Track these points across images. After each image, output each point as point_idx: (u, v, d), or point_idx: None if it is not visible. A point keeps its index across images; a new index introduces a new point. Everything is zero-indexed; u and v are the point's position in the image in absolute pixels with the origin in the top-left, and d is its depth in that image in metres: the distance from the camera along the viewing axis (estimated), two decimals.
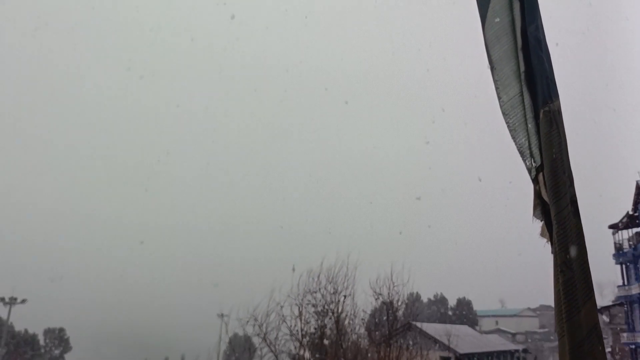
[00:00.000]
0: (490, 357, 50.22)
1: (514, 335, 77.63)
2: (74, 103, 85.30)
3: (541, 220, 2.05)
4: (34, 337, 56.73)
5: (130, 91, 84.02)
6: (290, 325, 18.99)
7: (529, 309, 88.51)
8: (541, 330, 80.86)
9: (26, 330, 56.19)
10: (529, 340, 74.49)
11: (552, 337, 71.80)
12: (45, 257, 64.49)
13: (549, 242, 1.98)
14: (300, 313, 19.11)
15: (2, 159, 69.99)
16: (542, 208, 2.02)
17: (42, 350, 57.39)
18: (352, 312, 19.99)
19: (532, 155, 2.05)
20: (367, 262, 21.26)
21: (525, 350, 59.48)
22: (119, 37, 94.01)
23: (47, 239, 67.24)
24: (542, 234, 2.04)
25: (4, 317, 47.18)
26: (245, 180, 70.41)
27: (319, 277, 19.59)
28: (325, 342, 19.23)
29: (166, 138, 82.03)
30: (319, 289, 19.47)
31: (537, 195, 2.03)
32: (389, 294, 20.26)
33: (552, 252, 1.91)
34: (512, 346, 59.49)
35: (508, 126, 2.13)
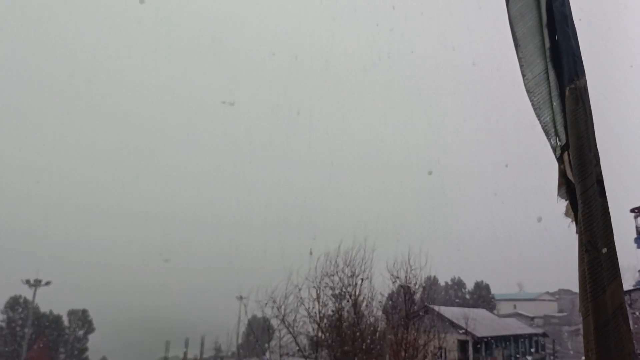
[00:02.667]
0: (508, 341, 50.10)
1: (532, 319, 77.12)
2: (94, 101, 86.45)
3: (566, 200, 2.02)
4: (58, 318, 58.13)
5: (147, 86, 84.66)
6: (308, 308, 19.20)
7: (547, 293, 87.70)
8: (560, 315, 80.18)
9: (51, 311, 57.63)
10: (548, 324, 74.07)
11: (571, 321, 71.30)
12: (69, 241, 66.01)
13: (574, 222, 1.95)
14: (318, 296, 19.29)
15: (34, 154, 71.64)
16: (567, 187, 1.99)
17: (67, 331, 58.78)
18: (370, 295, 20.10)
19: (557, 134, 2.01)
20: (385, 246, 21.28)
21: (543, 334, 59.12)
22: (120, 31, 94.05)
23: (71, 225, 68.82)
24: (566, 214, 2.01)
25: (30, 298, 48.62)
26: (263, 169, 70.75)
27: (336, 260, 19.72)
28: (343, 324, 19.41)
29: (189, 132, 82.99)
30: (337, 272, 19.60)
31: (562, 174, 1.99)
32: (406, 277, 20.30)
33: (576, 232, 1.89)
34: (530, 330, 59.15)
35: (532, 104, 2.09)
